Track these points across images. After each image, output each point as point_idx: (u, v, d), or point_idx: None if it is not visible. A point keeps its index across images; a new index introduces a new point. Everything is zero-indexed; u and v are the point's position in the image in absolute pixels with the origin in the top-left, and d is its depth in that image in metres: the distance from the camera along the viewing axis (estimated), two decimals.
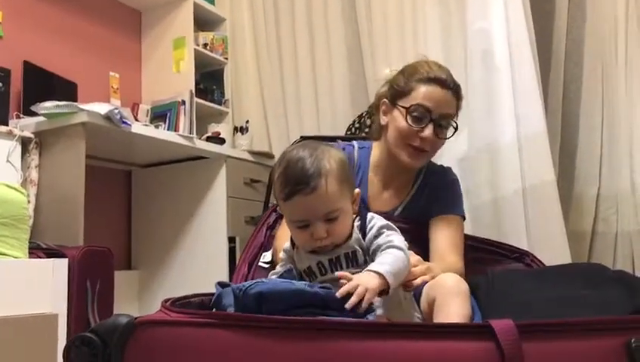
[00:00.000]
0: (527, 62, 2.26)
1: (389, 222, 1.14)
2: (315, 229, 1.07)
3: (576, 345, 0.74)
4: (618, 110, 2.37)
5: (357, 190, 1.17)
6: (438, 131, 1.48)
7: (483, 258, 1.66)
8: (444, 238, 1.48)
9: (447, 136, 1.52)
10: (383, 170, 1.60)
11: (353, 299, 0.90)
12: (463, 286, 1.01)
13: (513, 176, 2.23)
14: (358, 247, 1.11)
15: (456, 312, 0.96)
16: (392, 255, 1.05)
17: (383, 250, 1.07)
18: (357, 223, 1.13)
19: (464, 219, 1.58)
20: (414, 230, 1.50)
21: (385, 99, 1.57)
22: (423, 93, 1.47)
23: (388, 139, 1.55)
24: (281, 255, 1.22)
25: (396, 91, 1.53)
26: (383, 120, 1.58)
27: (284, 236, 1.32)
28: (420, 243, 1.46)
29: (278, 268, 1.20)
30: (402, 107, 1.49)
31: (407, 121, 1.47)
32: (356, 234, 1.12)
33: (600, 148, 2.43)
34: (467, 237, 1.65)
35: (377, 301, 1.00)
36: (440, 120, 1.48)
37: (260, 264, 1.54)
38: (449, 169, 1.67)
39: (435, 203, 1.56)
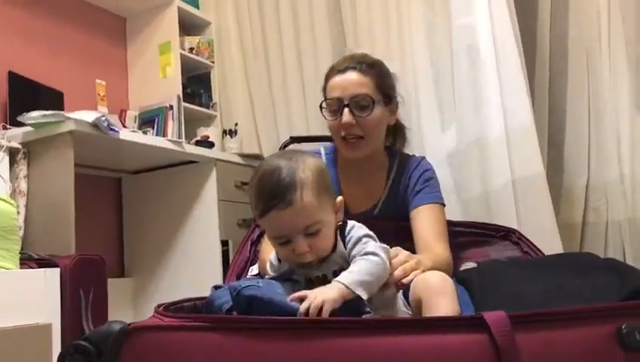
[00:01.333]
0: (513, 56, 2.27)
1: (368, 231, 1.10)
2: (297, 245, 1.02)
3: (570, 334, 0.75)
4: (604, 100, 2.39)
5: (339, 198, 1.12)
6: (357, 112, 1.50)
7: (469, 241, 1.67)
8: (427, 228, 1.48)
9: (375, 114, 1.52)
10: (350, 170, 1.62)
11: (311, 311, 0.86)
12: (448, 284, 1.00)
13: (502, 170, 2.24)
14: (343, 262, 1.06)
15: (444, 312, 0.95)
16: (363, 261, 1.01)
17: (354, 261, 1.03)
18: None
19: (444, 206, 1.59)
20: (396, 226, 1.52)
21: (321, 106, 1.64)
22: (330, 86, 1.56)
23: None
24: (268, 266, 1.18)
25: (323, 95, 1.62)
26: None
27: (268, 249, 1.31)
28: (404, 238, 1.47)
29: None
30: (324, 106, 1.57)
31: (328, 117, 1.55)
32: (340, 246, 1.08)
33: (588, 139, 2.44)
34: (450, 223, 1.66)
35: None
36: (354, 102, 1.51)
37: (248, 277, 1.54)
38: (422, 158, 1.68)
39: (413, 195, 1.57)
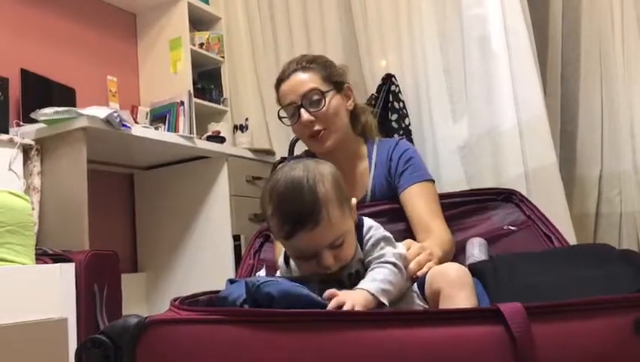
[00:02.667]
0: (524, 46, 2.26)
1: (385, 233, 1.10)
2: (323, 259, 1.01)
3: (586, 325, 0.74)
4: (617, 90, 2.37)
5: (353, 199, 1.11)
6: (312, 108, 1.54)
7: (469, 209, 1.66)
8: (421, 208, 1.48)
9: (330, 104, 1.55)
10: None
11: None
12: (467, 278, 1.00)
13: (515, 161, 2.23)
14: (359, 265, 1.06)
15: (463, 304, 0.95)
16: (386, 270, 1.00)
17: (373, 267, 1.02)
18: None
19: (432, 181, 1.58)
20: (391, 210, 1.54)
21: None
22: (280, 97, 1.61)
23: None
24: (278, 272, 1.18)
25: None
26: None
27: (280, 248, 1.31)
28: (399, 219, 1.49)
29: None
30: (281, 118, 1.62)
31: (290, 123, 1.60)
32: (358, 250, 1.07)
33: (601, 129, 2.42)
34: (449, 195, 1.67)
35: None
36: (306, 100, 1.54)
37: None
38: (400, 140, 1.69)
39: (399, 177, 1.57)
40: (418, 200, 1.50)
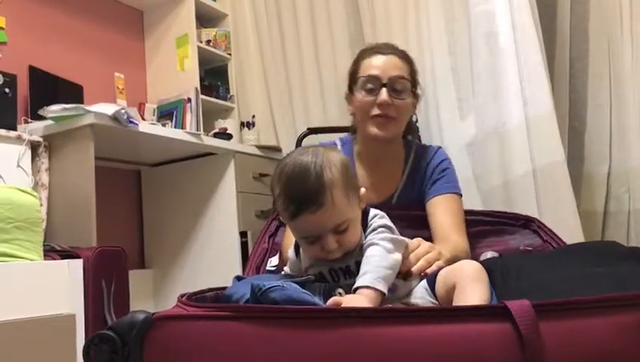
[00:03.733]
0: (532, 43, 2.24)
1: (388, 222, 1.10)
2: (326, 243, 1.03)
3: (594, 322, 0.74)
4: (626, 86, 2.35)
5: (363, 189, 1.12)
6: (394, 94, 1.52)
7: (488, 230, 1.66)
8: (445, 219, 1.48)
9: (407, 100, 1.55)
10: (367, 159, 1.62)
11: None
12: (483, 274, 1.00)
13: (523, 159, 2.22)
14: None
15: (478, 296, 0.94)
16: (372, 258, 1.00)
17: (364, 255, 1.03)
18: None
19: (461, 196, 1.58)
20: (413, 215, 1.53)
21: (346, 91, 1.64)
22: (367, 65, 1.56)
23: (358, 124, 1.60)
24: (287, 265, 1.19)
25: (350, 78, 1.61)
26: (350, 109, 1.64)
27: (290, 236, 1.32)
28: (421, 226, 1.47)
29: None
30: (355, 86, 1.56)
31: (361, 95, 1.54)
32: (364, 239, 1.08)
33: (609, 126, 2.40)
34: (470, 212, 1.65)
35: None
36: (391, 83, 1.52)
37: (267, 268, 1.55)
38: (439, 148, 1.69)
39: (431, 184, 1.57)
40: (444, 211, 1.51)
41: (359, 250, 1.06)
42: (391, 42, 1.71)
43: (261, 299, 0.85)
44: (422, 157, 1.63)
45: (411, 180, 1.61)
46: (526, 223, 1.66)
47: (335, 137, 1.82)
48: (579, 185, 2.42)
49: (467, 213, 1.66)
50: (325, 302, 0.93)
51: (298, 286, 0.92)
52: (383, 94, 1.51)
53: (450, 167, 1.63)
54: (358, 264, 1.04)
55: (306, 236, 1.05)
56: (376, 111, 1.53)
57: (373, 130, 1.56)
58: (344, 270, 1.06)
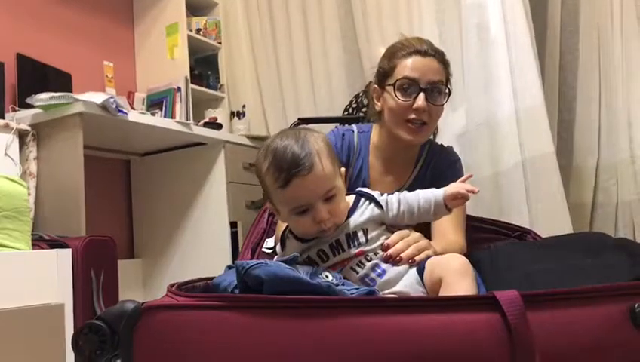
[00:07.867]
0: (523, 35, 2.25)
1: (373, 193, 1.19)
2: (317, 211, 1.06)
3: (582, 312, 0.75)
4: (615, 79, 2.37)
5: (343, 168, 1.17)
6: (431, 99, 1.46)
7: (484, 238, 1.66)
8: (446, 218, 1.48)
9: (442, 103, 1.50)
10: (384, 153, 1.59)
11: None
12: (470, 268, 1.00)
13: (512, 150, 2.23)
14: (356, 227, 1.11)
15: (464, 290, 0.95)
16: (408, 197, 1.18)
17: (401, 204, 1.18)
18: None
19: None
20: None
21: (375, 85, 1.58)
22: (405, 66, 1.47)
23: (386, 123, 1.54)
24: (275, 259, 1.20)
25: (382, 73, 1.54)
26: (377, 105, 1.57)
27: (283, 225, 1.31)
28: (425, 224, 1.47)
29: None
30: (390, 85, 1.49)
31: (396, 97, 1.47)
32: (357, 214, 1.13)
33: (598, 118, 2.42)
34: (469, 218, 1.65)
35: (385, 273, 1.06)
36: (430, 87, 1.46)
37: (263, 250, 1.54)
38: (451, 148, 1.67)
39: (439, 183, 1.55)
40: None
41: (351, 225, 1.11)
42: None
43: (245, 277, 0.86)
44: (434, 154, 1.61)
45: (421, 177, 1.59)
46: (521, 234, 1.65)
47: (326, 128, 1.80)
48: (568, 177, 2.44)
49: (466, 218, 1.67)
50: None
51: (282, 263, 0.94)
52: (421, 100, 1.45)
53: (460, 167, 1.62)
54: (349, 236, 1.09)
55: (296, 206, 1.07)
56: (411, 115, 1.47)
57: (406, 136, 1.50)
58: (334, 246, 1.09)
